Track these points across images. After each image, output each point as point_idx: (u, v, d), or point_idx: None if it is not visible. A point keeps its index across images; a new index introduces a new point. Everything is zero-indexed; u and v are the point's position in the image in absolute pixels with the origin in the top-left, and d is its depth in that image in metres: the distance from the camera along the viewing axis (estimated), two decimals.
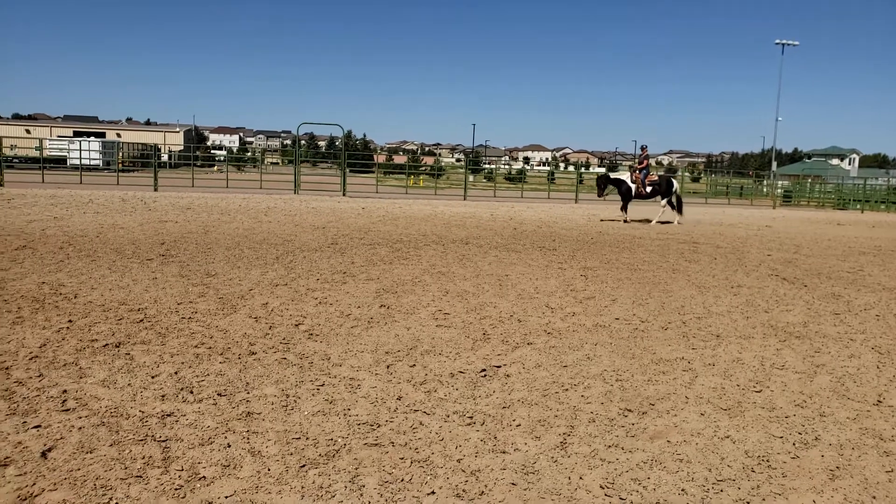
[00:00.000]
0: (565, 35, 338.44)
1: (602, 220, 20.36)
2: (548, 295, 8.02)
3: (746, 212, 30.52)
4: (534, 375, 5.04)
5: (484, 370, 5.09)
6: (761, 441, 3.99)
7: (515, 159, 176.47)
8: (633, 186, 20.32)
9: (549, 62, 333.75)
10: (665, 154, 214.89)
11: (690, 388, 4.89)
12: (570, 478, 3.44)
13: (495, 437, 3.89)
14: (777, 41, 56.86)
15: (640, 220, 20.62)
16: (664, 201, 20.57)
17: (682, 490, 3.36)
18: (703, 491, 3.36)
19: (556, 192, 40.94)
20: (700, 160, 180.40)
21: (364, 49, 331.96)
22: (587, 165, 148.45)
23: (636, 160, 21.48)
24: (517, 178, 52.99)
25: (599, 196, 21.20)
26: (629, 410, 4.40)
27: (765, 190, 50.74)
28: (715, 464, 3.66)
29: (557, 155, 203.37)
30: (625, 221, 20.12)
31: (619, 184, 20.60)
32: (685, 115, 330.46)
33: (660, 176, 21.17)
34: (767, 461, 3.72)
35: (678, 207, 20.51)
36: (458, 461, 3.58)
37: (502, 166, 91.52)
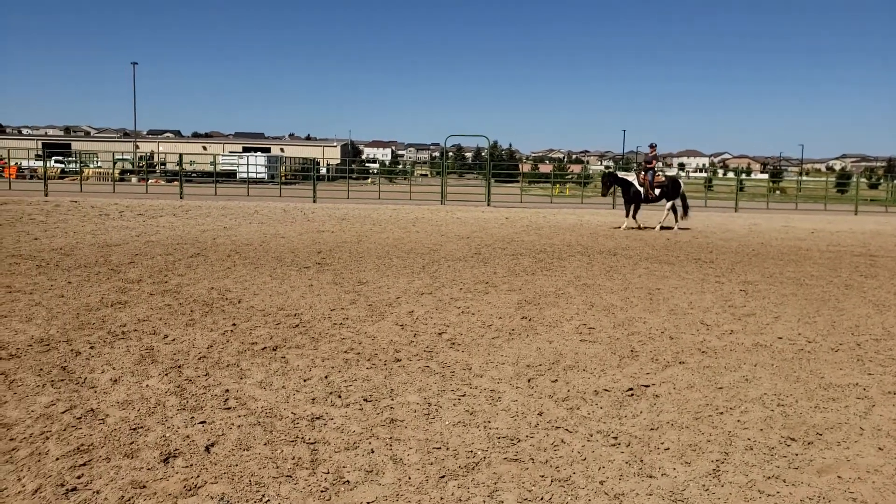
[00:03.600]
0: (721, 32, 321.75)
1: (614, 229, 18.45)
2: (703, 311, 7.58)
3: None
4: (685, 397, 4.76)
5: (631, 389, 4.88)
6: None
7: (669, 166, 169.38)
8: (640, 189, 18.36)
9: (706, 62, 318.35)
10: (837, 158, 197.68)
11: (866, 419, 4.39)
12: None
13: (641, 460, 3.70)
14: None
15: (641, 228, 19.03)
16: (669, 204, 18.63)
17: None
18: None
19: (713, 199, 38.80)
20: (879, 164, 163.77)
21: (513, 58, 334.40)
22: (748, 172, 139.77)
23: (646, 159, 19.22)
24: None
25: (604, 195, 19.92)
26: (792, 439, 4.03)
27: None
28: None
29: (715, 161, 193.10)
30: (639, 228, 18.29)
31: (626, 186, 18.65)
32: (860, 113, 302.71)
33: (666, 177, 19.15)
34: None
35: (684, 210, 18.57)
36: (601, 483, 3.43)
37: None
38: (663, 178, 19.00)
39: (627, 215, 18.78)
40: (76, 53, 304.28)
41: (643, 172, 18.73)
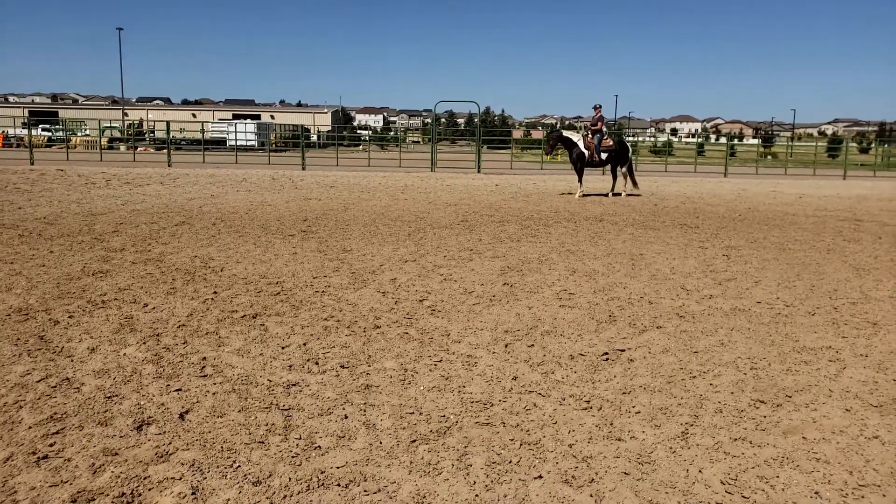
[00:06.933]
0: None
1: (562, 194, 17.98)
2: (684, 276, 7.62)
3: None
4: (660, 361, 4.81)
5: (606, 353, 4.93)
6: None
7: (662, 131, 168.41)
8: (585, 152, 17.43)
9: (697, 27, 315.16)
10: (829, 123, 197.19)
11: (836, 381, 4.46)
12: (688, 470, 3.25)
13: (611, 424, 3.75)
14: None
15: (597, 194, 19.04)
16: (624, 169, 17.94)
17: (815, 493, 3.07)
18: (841, 496, 3.05)
19: (703, 165, 38.68)
20: (871, 129, 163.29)
21: (508, 24, 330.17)
22: (741, 137, 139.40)
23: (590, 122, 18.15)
24: (663, 150, 50.66)
25: (548, 154, 19.30)
26: (762, 402, 4.09)
27: None
28: (857, 466, 3.31)
29: (708, 126, 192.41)
30: (582, 195, 17.50)
31: (571, 146, 17.69)
32: (853, 78, 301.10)
33: (614, 140, 18.02)
34: None
35: (630, 177, 18.08)
36: (570, 446, 3.48)
37: (647, 139, 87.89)
38: (611, 143, 17.86)
39: (580, 181, 18.20)
40: (64, 20, 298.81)
41: (590, 135, 17.78)
